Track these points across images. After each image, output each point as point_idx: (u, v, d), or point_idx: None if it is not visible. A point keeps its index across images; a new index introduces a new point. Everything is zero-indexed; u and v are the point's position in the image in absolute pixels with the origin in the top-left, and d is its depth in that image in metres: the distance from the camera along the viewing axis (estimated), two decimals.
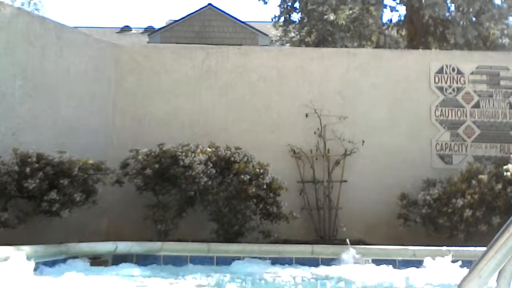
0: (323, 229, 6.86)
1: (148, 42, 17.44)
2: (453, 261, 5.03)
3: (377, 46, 13.78)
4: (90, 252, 5.12)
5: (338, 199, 6.96)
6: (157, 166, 6.06)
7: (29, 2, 17.70)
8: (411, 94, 7.45)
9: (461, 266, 4.82)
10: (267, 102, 7.37)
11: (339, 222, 6.90)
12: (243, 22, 18.10)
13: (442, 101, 7.39)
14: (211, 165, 6.13)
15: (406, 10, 13.34)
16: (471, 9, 12.06)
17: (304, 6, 13.42)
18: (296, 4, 13.93)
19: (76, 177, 5.67)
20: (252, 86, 7.41)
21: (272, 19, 14.31)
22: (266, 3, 14.15)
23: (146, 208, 6.22)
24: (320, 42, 13.00)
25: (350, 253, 5.30)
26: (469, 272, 1.46)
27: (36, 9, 17.97)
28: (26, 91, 6.17)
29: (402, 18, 13.81)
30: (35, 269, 4.16)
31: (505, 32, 12.97)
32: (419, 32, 12.98)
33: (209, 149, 6.32)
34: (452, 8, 12.59)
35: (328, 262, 5.35)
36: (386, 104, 7.43)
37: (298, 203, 6.90)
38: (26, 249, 4.46)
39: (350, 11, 13.06)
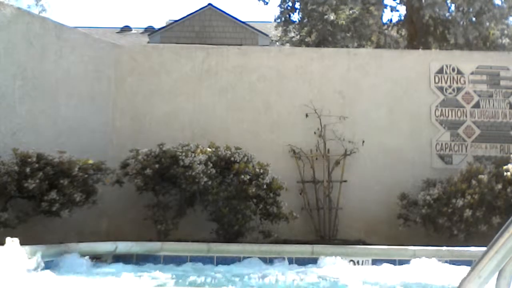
0: (323, 229, 6.86)
1: (148, 42, 17.42)
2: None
3: (377, 46, 13.78)
4: (90, 252, 5.12)
5: (338, 199, 6.96)
6: (157, 166, 6.06)
7: (37, 3, 17.70)
8: (411, 94, 7.45)
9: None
10: (267, 102, 7.37)
11: (339, 222, 6.91)
12: (243, 22, 18.07)
13: (442, 101, 7.39)
14: (211, 165, 6.13)
15: (406, 10, 13.34)
16: (471, 9, 12.06)
17: (305, 6, 13.42)
18: (297, 5, 13.93)
19: (76, 177, 5.67)
20: (252, 86, 7.41)
21: (274, 20, 14.32)
22: (266, 3, 14.15)
23: (146, 208, 6.22)
24: (321, 42, 12.99)
25: None
26: (469, 272, 1.46)
27: (43, 10, 17.97)
28: (26, 91, 6.16)
29: (402, 18, 13.82)
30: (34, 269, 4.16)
31: (505, 32, 12.96)
32: (419, 32, 12.98)
33: (209, 149, 6.32)
34: (452, 8, 12.59)
35: (328, 262, 5.34)
36: (386, 104, 7.43)
37: (298, 203, 6.89)
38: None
39: (350, 11, 13.04)
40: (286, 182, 6.52)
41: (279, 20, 14.13)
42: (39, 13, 16.81)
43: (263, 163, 6.43)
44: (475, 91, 7.43)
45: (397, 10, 13.75)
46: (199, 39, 16.49)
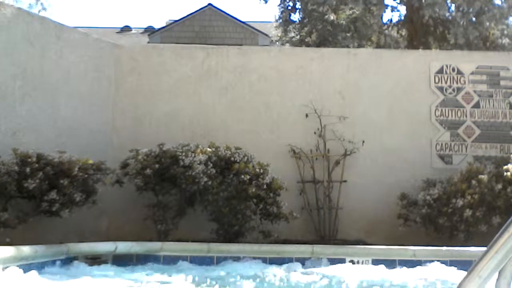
0: (323, 229, 6.85)
1: (148, 42, 17.43)
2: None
3: (377, 46, 13.79)
4: (90, 252, 5.12)
5: (338, 199, 6.96)
6: (157, 166, 6.06)
7: (37, 2, 17.70)
8: (411, 94, 7.45)
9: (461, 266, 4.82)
10: (267, 102, 7.37)
11: (339, 222, 6.90)
12: (243, 22, 18.09)
13: (442, 101, 7.38)
14: (211, 165, 6.13)
15: (406, 10, 13.34)
16: (471, 9, 12.06)
17: (305, 6, 13.42)
18: (297, 5, 13.93)
19: (76, 177, 5.67)
20: (252, 86, 7.41)
21: (276, 20, 14.34)
22: (266, 2, 14.14)
23: (146, 208, 6.22)
24: (321, 43, 12.99)
25: None
26: (469, 272, 1.46)
27: (43, 9, 17.98)
28: (26, 91, 6.16)
29: (402, 18, 13.82)
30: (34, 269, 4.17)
31: (505, 32, 12.97)
32: (419, 32, 12.99)
33: (209, 149, 6.32)
34: (452, 8, 12.60)
35: (328, 262, 5.35)
36: (386, 104, 7.43)
37: (298, 203, 6.89)
38: (26, 249, 4.46)
39: (351, 11, 13.05)
40: (286, 182, 6.52)
41: (280, 20, 14.13)
42: (39, 12, 16.80)
43: (263, 163, 6.43)
44: (475, 91, 7.42)
45: (398, 10, 13.76)
46: (199, 39, 16.49)
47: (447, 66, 7.47)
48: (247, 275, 4.74)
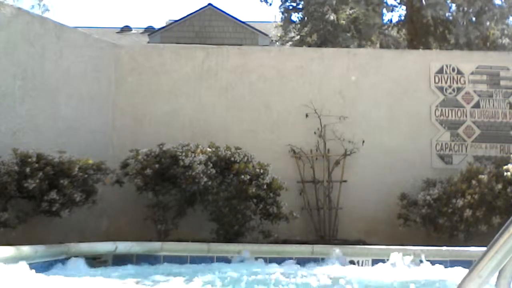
0: (323, 229, 6.85)
1: (148, 42, 17.43)
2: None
3: (378, 46, 13.78)
4: (90, 252, 5.12)
5: (338, 199, 6.96)
6: (157, 166, 6.06)
7: (39, 4, 17.78)
8: (411, 94, 7.45)
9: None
10: (267, 102, 7.37)
11: (339, 222, 6.90)
12: (243, 22, 18.09)
13: (442, 101, 7.38)
14: (211, 165, 6.13)
15: (407, 10, 13.35)
16: (471, 9, 12.06)
17: (306, 6, 13.43)
18: (299, 5, 13.93)
19: (76, 177, 5.67)
20: (252, 86, 7.41)
21: (281, 21, 14.35)
22: (270, 4, 14.13)
23: (146, 208, 6.22)
24: (323, 43, 12.99)
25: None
26: (469, 272, 1.45)
27: (46, 10, 18.06)
28: (26, 91, 6.16)
29: (403, 18, 13.82)
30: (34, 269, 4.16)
31: (505, 32, 12.97)
32: (420, 32, 12.99)
33: (209, 149, 6.32)
34: (453, 8, 12.60)
35: (328, 262, 5.35)
36: (386, 104, 7.43)
37: (298, 203, 6.89)
38: (26, 249, 4.46)
39: (351, 11, 13.05)
40: (286, 182, 6.52)
41: (282, 19, 14.14)
42: (42, 13, 16.85)
43: (263, 163, 6.43)
44: (475, 91, 7.42)
45: (402, 8, 13.74)
46: (199, 39, 16.49)
47: (447, 66, 7.47)
48: (247, 275, 4.74)
